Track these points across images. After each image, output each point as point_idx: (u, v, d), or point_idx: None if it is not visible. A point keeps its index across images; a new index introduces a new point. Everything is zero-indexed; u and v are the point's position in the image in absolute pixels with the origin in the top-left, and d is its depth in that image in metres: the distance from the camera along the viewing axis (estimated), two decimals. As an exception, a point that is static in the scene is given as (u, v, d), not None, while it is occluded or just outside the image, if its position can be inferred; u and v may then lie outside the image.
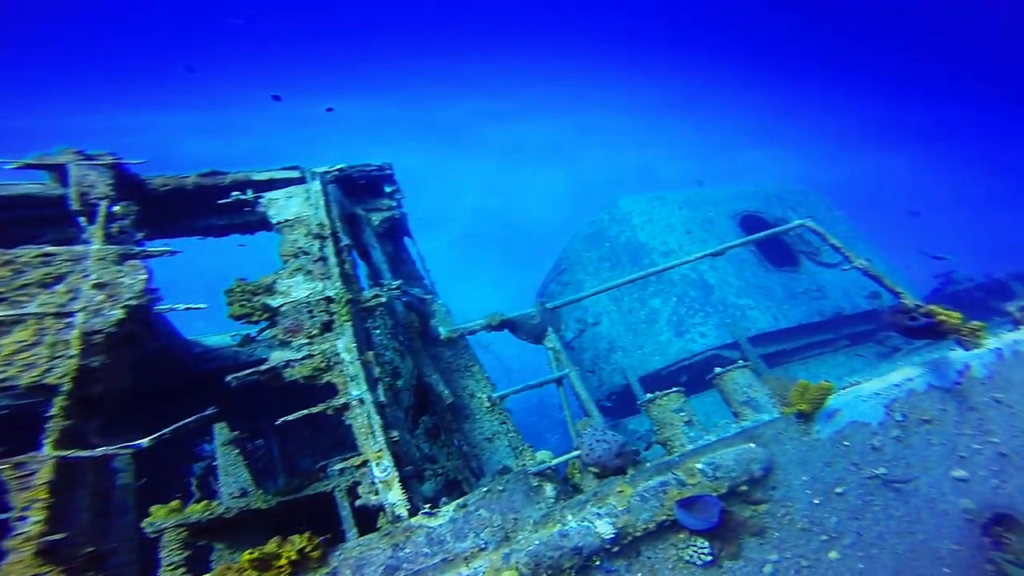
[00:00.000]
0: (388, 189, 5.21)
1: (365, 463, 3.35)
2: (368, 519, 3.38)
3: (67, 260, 3.57)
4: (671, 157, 37.40)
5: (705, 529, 3.34)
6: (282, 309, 3.76)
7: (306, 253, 3.89)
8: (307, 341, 3.68)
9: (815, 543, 3.41)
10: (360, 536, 3.19)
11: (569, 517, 3.41)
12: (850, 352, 7.23)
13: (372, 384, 3.60)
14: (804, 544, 3.39)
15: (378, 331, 4.15)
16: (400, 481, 3.33)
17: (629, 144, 39.62)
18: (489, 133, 43.37)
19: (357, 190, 5.18)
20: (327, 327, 3.71)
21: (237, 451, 3.90)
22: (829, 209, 8.90)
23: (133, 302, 3.38)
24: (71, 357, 3.08)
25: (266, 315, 3.71)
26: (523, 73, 53.83)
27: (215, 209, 4.53)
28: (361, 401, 3.49)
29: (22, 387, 2.92)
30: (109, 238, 3.82)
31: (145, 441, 2.92)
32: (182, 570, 3.12)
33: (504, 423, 4.11)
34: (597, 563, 3.24)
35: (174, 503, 3.34)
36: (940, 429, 3.95)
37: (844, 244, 8.40)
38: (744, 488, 3.50)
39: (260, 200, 4.28)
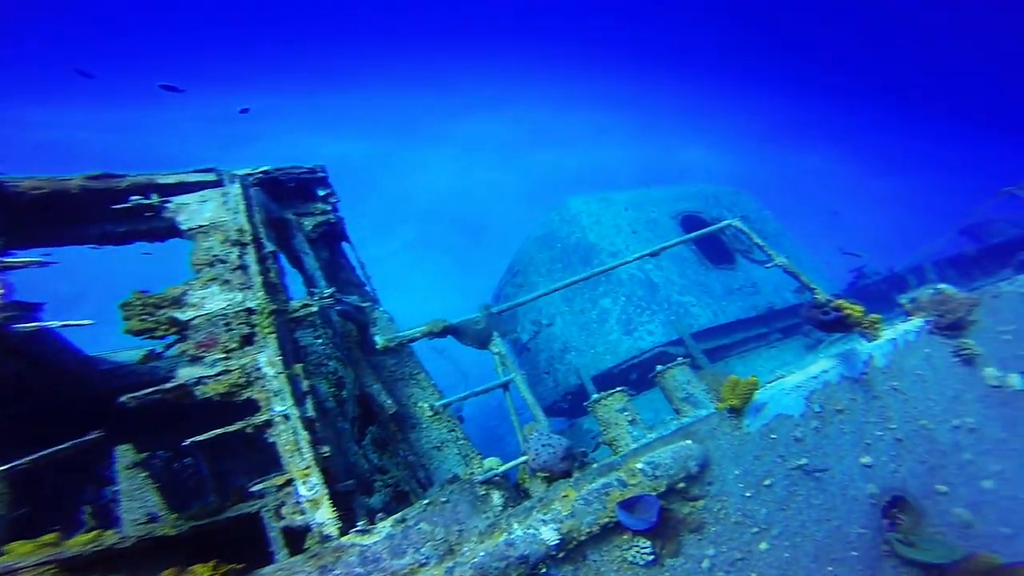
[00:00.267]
0: (322, 192, 4.91)
1: (290, 482, 3.17)
2: (301, 541, 3.20)
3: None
4: (619, 157, 38.11)
5: (645, 529, 3.42)
6: (194, 323, 3.47)
7: (223, 261, 3.60)
8: (223, 356, 3.42)
9: (747, 535, 3.58)
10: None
11: (515, 525, 3.39)
12: (782, 345, 7.72)
13: (300, 399, 3.42)
14: (738, 537, 3.56)
15: (320, 340, 3.93)
16: (332, 498, 3.19)
17: (579, 143, 39.98)
18: (440, 132, 42.41)
19: (286, 194, 4.84)
20: (247, 340, 3.47)
21: (145, 474, 3.55)
22: (759, 209, 9.45)
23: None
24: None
25: (173, 329, 3.42)
26: (472, 72, 53.13)
27: (111, 215, 4.06)
28: (286, 417, 3.30)
29: None
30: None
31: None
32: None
33: (453, 431, 4.01)
34: (543, 570, 3.23)
35: (49, 536, 2.99)
36: (851, 418, 4.27)
37: (774, 242, 9.05)
38: (682, 485, 3.61)
39: (167, 205, 3.90)
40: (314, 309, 3.64)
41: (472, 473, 3.59)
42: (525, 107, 45.64)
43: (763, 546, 3.58)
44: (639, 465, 3.60)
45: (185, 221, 3.86)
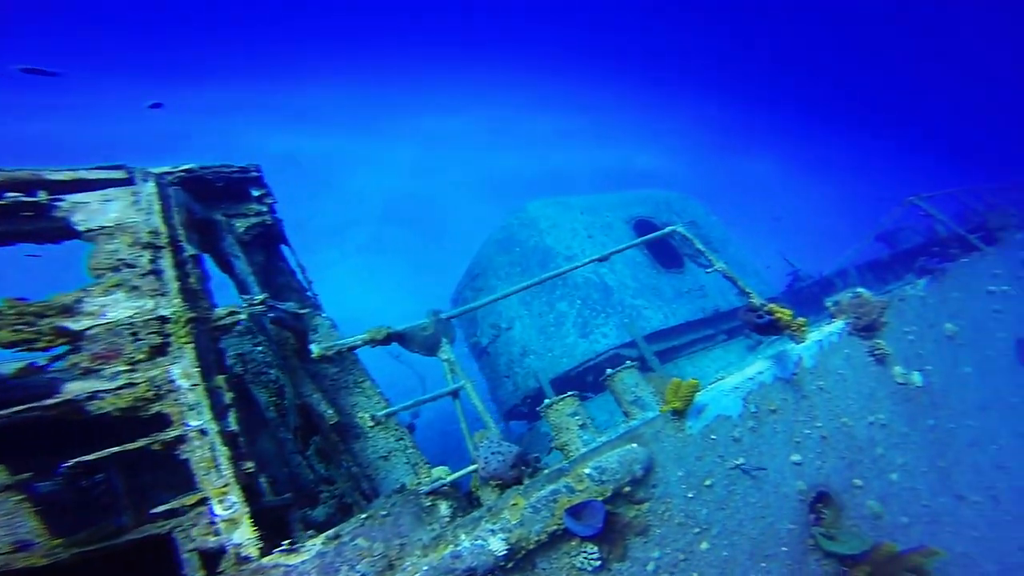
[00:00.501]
0: (256, 193, 4.48)
1: (204, 500, 2.92)
2: (217, 564, 2.95)
3: None
4: (577, 160, 38.07)
5: (592, 535, 3.41)
6: (90, 333, 3.10)
7: (131, 266, 3.22)
8: (127, 368, 3.08)
9: (690, 536, 3.66)
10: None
11: (462, 536, 3.28)
12: (726, 346, 8.04)
13: (221, 412, 3.16)
14: (681, 538, 3.63)
15: (260, 348, 3.62)
16: (257, 515, 2.97)
17: (538, 146, 39.56)
18: (397, 130, 40.51)
19: (215, 194, 4.40)
20: (159, 351, 3.15)
21: (18, 497, 3.16)
22: (706, 214, 9.80)
23: None
24: None
25: (60, 340, 3.05)
26: (432, 70, 51.14)
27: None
28: (202, 432, 3.03)
29: None
30: None
31: None
32: None
33: (401, 439, 3.83)
34: None
35: None
36: (783, 418, 4.47)
37: (719, 246, 9.40)
38: (628, 489, 3.63)
39: (58, 204, 3.42)
40: (242, 317, 3.32)
41: (419, 483, 3.43)
42: (484, 109, 44.92)
43: (704, 546, 3.68)
44: (586, 470, 3.58)
45: (83, 222, 3.41)
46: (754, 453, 4.17)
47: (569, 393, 3.93)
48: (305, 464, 3.61)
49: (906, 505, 4.93)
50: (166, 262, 3.30)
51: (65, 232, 3.54)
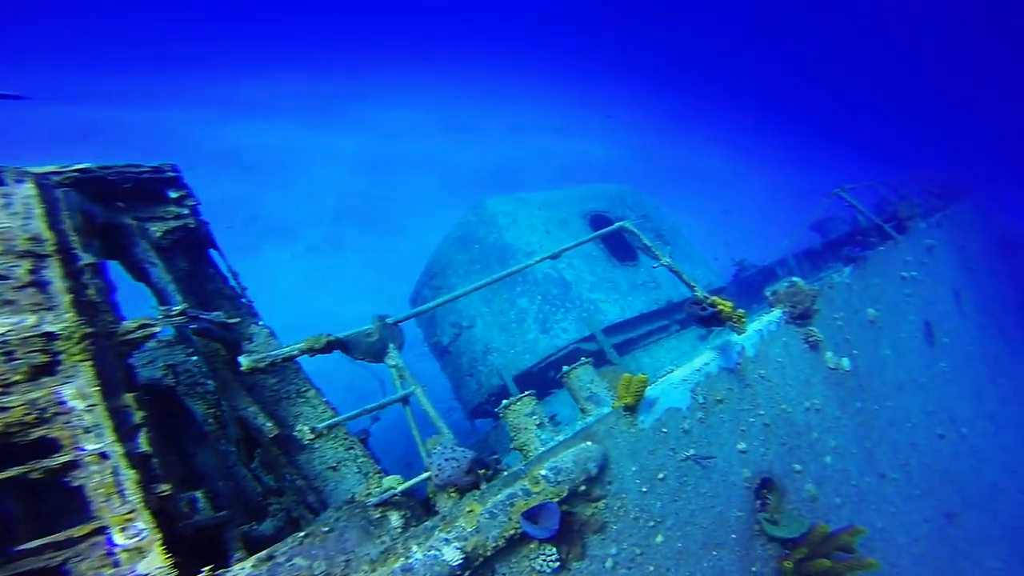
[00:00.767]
0: (174, 194, 4.02)
1: (101, 530, 2.64)
2: None
3: None
4: (536, 156, 37.45)
5: (548, 537, 3.35)
6: None
7: (3, 278, 2.83)
8: None
9: (645, 530, 3.68)
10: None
11: (414, 548, 3.13)
12: (680, 336, 8.23)
13: (128, 433, 2.85)
14: (637, 533, 3.64)
15: (196, 358, 3.27)
16: (180, 539, 2.72)
17: (495, 142, 38.60)
18: (347, 121, 38.21)
19: (122, 196, 3.91)
20: (43, 370, 2.80)
21: None
22: (657, 208, 9.97)
23: None
24: None
25: None
26: (387, 61, 48.81)
27: None
28: (103, 456, 2.73)
29: None
30: None
31: None
32: None
33: (351, 448, 3.59)
34: None
35: None
36: (729, 407, 4.58)
37: (670, 238, 9.60)
38: (583, 488, 3.59)
39: None
40: (156, 330, 2.97)
41: (369, 494, 3.23)
42: (439, 102, 43.53)
43: (659, 539, 3.70)
44: (542, 472, 3.51)
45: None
46: (703, 444, 4.25)
47: (526, 393, 3.84)
48: (251, 476, 3.32)
49: (838, 486, 5.20)
50: (53, 272, 2.90)
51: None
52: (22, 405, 2.64)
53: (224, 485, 3.86)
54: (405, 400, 3.41)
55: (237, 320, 3.80)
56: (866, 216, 9.76)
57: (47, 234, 3.01)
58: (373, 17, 57.57)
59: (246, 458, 3.45)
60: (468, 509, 3.29)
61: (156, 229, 3.88)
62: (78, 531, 2.61)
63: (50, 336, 2.75)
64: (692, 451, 4.16)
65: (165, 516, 2.82)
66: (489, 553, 3.18)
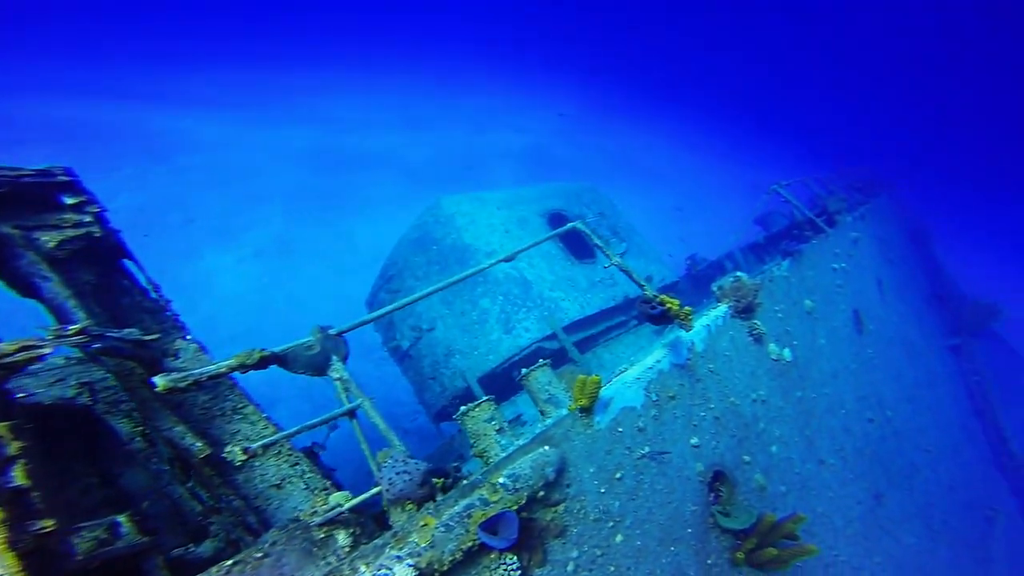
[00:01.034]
0: (71, 201, 3.57)
1: None
2: None
3: None
4: (497, 154, 36.76)
5: (508, 547, 3.25)
6: None
7: None
8: None
9: (605, 531, 3.63)
10: None
11: (363, 568, 2.94)
12: (637, 331, 8.29)
13: None
14: (597, 534, 3.59)
15: (110, 378, 2.91)
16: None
17: (455, 139, 37.61)
18: (293, 115, 36.03)
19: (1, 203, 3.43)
20: None
21: None
22: (612, 205, 10.06)
23: None
24: None
25: None
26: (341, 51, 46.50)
27: None
28: None
29: None
30: None
31: None
32: None
33: (296, 464, 3.33)
34: None
35: None
36: (681, 403, 4.61)
37: (626, 234, 9.65)
38: (542, 493, 3.51)
39: None
40: (46, 351, 2.62)
41: (315, 512, 3.02)
42: (398, 97, 42.17)
43: (619, 539, 3.67)
44: (500, 480, 3.40)
45: None
46: (658, 441, 4.26)
47: (484, 398, 3.71)
48: (188, 495, 3.03)
49: (783, 475, 5.36)
50: None
51: None
52: None
53: (156, 505, 3.53)
54: (352, 414, 3.21)
55: (156, 336, 3.42)
56: (800, 211, 10.18)
57: None
58: (324, 13, 55.56)
59: (182, 476, 3.15)
60: (422, 523, 3.13)
61: (49, 239, 3.44)
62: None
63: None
64: (647, 449, 4.15)
65: (44, 555, 2.50)
66: (445, 568, 3.04)
